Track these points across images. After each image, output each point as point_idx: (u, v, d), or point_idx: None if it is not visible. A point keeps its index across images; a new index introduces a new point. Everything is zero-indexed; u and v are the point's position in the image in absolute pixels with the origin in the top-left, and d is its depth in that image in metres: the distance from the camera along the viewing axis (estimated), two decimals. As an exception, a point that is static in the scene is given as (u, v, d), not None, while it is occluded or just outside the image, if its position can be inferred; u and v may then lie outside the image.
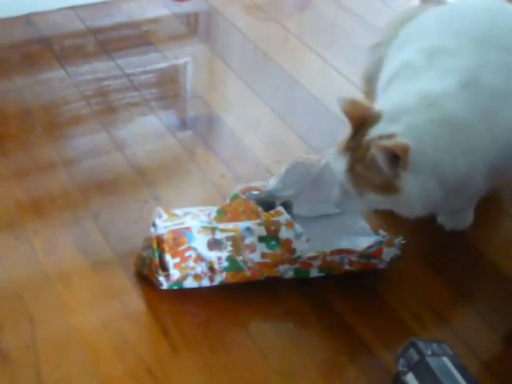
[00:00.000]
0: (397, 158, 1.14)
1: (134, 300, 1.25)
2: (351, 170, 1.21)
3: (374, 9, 2.26)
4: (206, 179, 1.52)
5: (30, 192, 1.46)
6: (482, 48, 1.29)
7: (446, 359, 1.07)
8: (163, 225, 1.26)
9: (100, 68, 1.84)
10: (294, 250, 1.26)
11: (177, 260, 1.22)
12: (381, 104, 1.27)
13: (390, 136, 1.17)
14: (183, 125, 1.70)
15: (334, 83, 1.88)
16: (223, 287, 1.27)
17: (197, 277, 1.25)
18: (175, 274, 1.23)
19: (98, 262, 1.32)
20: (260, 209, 1.31)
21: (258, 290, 1.28)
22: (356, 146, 1.21)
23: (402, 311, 1.27)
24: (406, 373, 1.06)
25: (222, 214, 1.33)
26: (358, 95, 1.79)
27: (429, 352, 1.07)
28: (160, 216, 1.29)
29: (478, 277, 1.36)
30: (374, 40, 1.81)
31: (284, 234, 1.25)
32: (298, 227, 1.26)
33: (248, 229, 1.26)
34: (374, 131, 1.20)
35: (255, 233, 1.26)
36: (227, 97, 1.81)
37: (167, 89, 1.82)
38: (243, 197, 1.35)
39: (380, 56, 1.76)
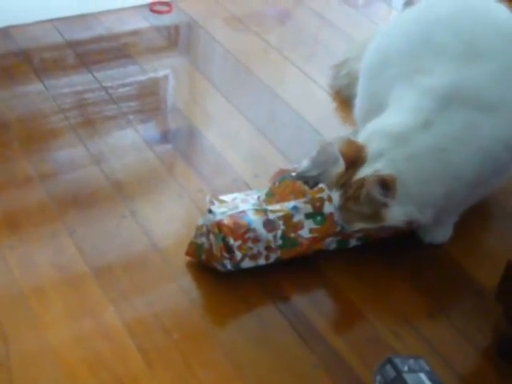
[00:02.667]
0: (386, 188, 1.25)
1: (109, 316, 1.24)
2: (343, 206, 1.32)
3: (354, 22, 2.27)
4: (184, 194, 1.51)
5: (6, 206, 1.45)
6: (460, 62, 1.32)
7: (422, 375, 1.06)
8: (219, 211, 1.33)
9: (78, 81, 1.84)
10: (337, 223, 1.35)
11: (238, 242, 1.30)
12: (366, 132, 1.35)
13: (375, 171, 1.27)
14: (161, 138, 1.70)
15: (314, 96, 1.88)
16: (197, 303, 1.27)
17: (253, 256, 1.32)
18: (238, 255, 1.30)
19: (73, 277, 1.31)
20: (306, 188, 1.38)
21: (232, 305, 1.28)
22: (347, 184, 1.31)
23: (380, 326, 1.27)
24: (382, 389, 1.06)
25: (271, 196, 1.40)
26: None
27: (405, 368, 1.06)
28: (212, 203, 1.36)
29: (455, 290, 1.36)
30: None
31: (327, 208, 1.35)
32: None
33: (295, 207, 1.35)
34: (363, 171, 1.29)
35: (302, 211, 1.34)
36: (206, 110, 1.81)
37: (146, 102, 1.81)
38: (277, 180, 1.43)
39: (348, 71, 1.82)
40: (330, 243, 1.38)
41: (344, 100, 1.83)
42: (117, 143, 1.65)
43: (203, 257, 1.33)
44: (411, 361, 1.08)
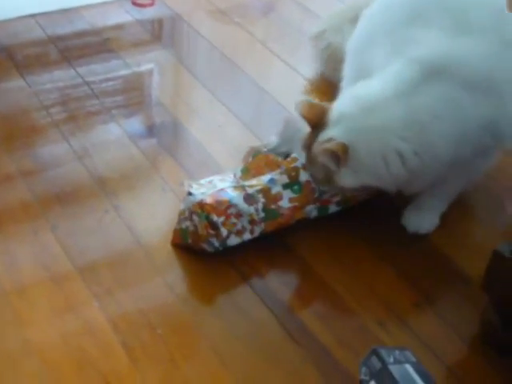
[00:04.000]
0: (336, 158, 1.25)
1: (94, 312, 1.23)
2: (306, 167, 1.36)
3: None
4: (167, 188, 1.50)
5: (-12, 204, 1.44)
6: (450, 35, 1.29)
7: (408, 366, 1.06)
8: (199, 192, 1.34)
9: (60, 77, 1.82)
10: (314, 190, 1.38)
11: (222, 218, 1.31)
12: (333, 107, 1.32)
13: (329, 139, 1.26)
14: (145, 133, 1.68)
15: (299, 88, 1.87)
16: (182, 298, 1.26)
17: (239, 232, 1.33)
18: (223, 231, 1.31)
19: (56, 274, 1.30)
20: (280, 159, 1.41)
21: (218, 300, 1.27)
22: (309, 146, 1.31)
23: (365, 316, 1.26)
24: (368, 381, 1.06)
25: (246, 172, 1.42)
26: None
27: (391, 360, 1.06)
28: (191, 186, 1.37)
29: (441, 280, 1.36)
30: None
31: (303, 176, 1.37)
32: None
33: (271, 180, 1.37)
34: (322, 134, 1.28)
35: (278, 182, 1.37)
36: (190, 104, 1.79)
37: (129, 97, 1.80)
38: (251, 156, 1.45)
39: (327, 43, 1.80)
40: (311, 211, 1.40)
41: (327, 76, 1.86)
42: (100, 139, 1.63)
43: (189, 240, 1.34)
44: (397, 352, 1.08)
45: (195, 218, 1.32)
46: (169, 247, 1.37)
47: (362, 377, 1.07)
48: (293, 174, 1.38)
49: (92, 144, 1.61)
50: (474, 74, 1.27)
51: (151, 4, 2.16)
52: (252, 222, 1.34)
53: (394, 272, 1.36)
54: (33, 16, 2.04)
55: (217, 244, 1.32)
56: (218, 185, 1.38)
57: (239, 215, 1.33)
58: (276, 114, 1.76)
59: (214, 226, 1.31)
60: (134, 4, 2.15)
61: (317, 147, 1.28)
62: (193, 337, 1.21)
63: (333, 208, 1.42)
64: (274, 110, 1.78)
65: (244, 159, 1.49)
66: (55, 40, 1.96)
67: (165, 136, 1.68)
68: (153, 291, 1.28)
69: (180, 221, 1.36)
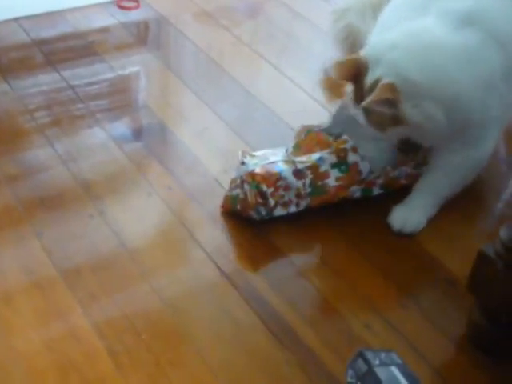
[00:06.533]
0: (390, 101, 1.27)
1: (78, 318, 1.22)
2: (368, 120, 1.34)
3: (326, 15, 2.24)
4: (153, 192, 1.49)
5: (-29, 210, 1.42)
6: None
7: (394, 368, 1.05)
8: (252, 162, 1.41)
9: (44, 80, 1.81)
10: (360, 172, 1.44)
11: (271, 190, 1.38)
12: (365, 49, 1.35)
13: (377, 81, 1.28)
14: (130, 137, 1.67)
15: (286, 91, 1.86)
16: (168, 303, 1.26)
17: (284, 204, 1.41)
18: (271, 202, 1.39)
19: (41, 280, 1.29)
20: (331, 139, 1.46)
21: (203, 304, 1.26)
22: (361, 99, 1.31)
23: (351, 318, 1.26)
24: (354, 384, 1.05)
25: (297, 149, 1.47)
26: (311, 104, 1.79)
27: (377, 362, 1.06)
28: (245, 157, 1.43)
29: (428, 281, 1.36)
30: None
31: (351, 158, 1.43)
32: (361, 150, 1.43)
33: (321, 158, 1.42)
34: (368, 80, 1.30)
35: (327, 161, 1.42)
36: (176, 107, 1.79)
37: (114, 100, 1.79)
38: (303, 133, 1.50)
39: (347, 23, 1.86)
40: (355, 191, 1.46)
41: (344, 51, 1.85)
42: (85, 143, 1.62)
43: (238, 207, 1.42)
44: (383, 354, 1.07)
45: (246, 186, 1.39)
46: (154, 252, 1.36)
47: (349, 379, 1.07)
48: (341, 154, 1.43)
49: (77, 148, 1.60)
50: (501, 28, 1.34)
51: (136, 7, 2.15)
52: (298, 195, 1.41)
53: (380, 273, 1.35)
54: (16, 20, 2.03)
55: (264, 212, 1.40)
56: (270, 158, 1.44)
57: (287, 188, 1.40)
58: (263, 117, 1.75)
59: (263, 195, 1.38)
60: (119, 7, 2.14)
61: (368, 101, 1.27)
62: (178, 342, 1.20)
63: (376, 190, 1.48)
64: (261, 113, 1.77)
65: (297, 136, 1.52)
66: (39, 43, 1.95)
67: (150, 139, 1.67)
68: (138, 296, 1.27)
69: (231, 188, 1.44)
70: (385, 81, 1.28)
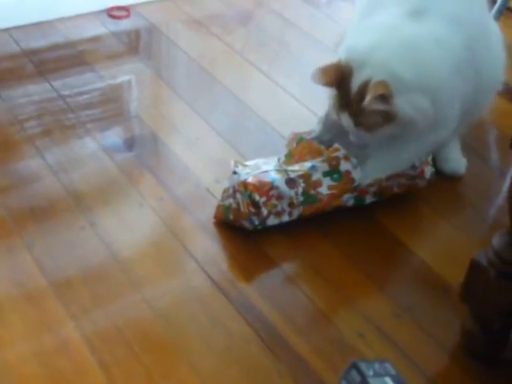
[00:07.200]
0: (385, 98, 1.31)
1: (70, 331, 1.21)
2: (358, 123, 1.37)
3: (317, 22, 2.25)
4: (144, 203, 1.49)
5: (-39, 222, 1.41)
6: None
7: (388, 379, 1.05)
8: (244, 171, 1.41)
9: (35, 91, 1.80)
10: (353, 180, 1.43)
11: (264, 199, 1.38)
12: (343, 51, 1.39)
13: (366, 82, 1.33)
14: (121, 147, 1.66)
15: (277, 99, 1.86)
16: (160, 314, 1.25)
17: (277, 214, 1.40)
18: (264, 211, 1.38)
19: (31, 292, 1.28)
20: (323, 147, 1.46)
21: (195, 315, 1.25)
22: (348, 103, 1.36)
23: (344, 327, 1.25)
24: (348, 395, 1.04)
25: (290, 157, 1.48)
26: (302, 112, 1.79)
27: (371, 373, 1.05)
28: (237, 166, 1.43)
29: (421, 290, 1.35)
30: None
31: (344, 166, 1.43)
32: (353, 159, 1.44)
33: (313, 167, 1.43)
34: (355, 83, 1.35)
35: (319, 169, 1.43)
36: (168, 116, 1.78)
37: (105, 110, 1.77)
38: (295, 142, 1.50)
39: None
40: (348, 199, 1.46)
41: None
42: (75, 153, 1.61)
43: (231, 217, 1.41)
44: (376, 365, 1.07)
45: (238, 196, 1.39)
46: (146, 263, 1.35)
47: (342, 391, 1.06)
48: (334, 163, 1.43)
49: (68, 159, 1.59)
50: (453, 5, 1.43)
51: (127, 16, 2.15)
52: (291, 204, 1.40)
53: (373, 282, 1.35)
54: (7, 30, 2.02)
55: (257, 222, 1.39)
56: (263, 167, 1.44)
57: (280, 197, 1.39)
58: (255, 126, 1.75)
59: (255, 205, 1.38)
60: (110, 16, 2.13)
61: (368, 99, 1.31)
62: (170, 353, 1.19)
63: (369, 199, 1.48)
64: (253, 121, 1.77)
65: (288, 145, 1.52)
66: (29, 54, 1.94)
67: (142, 150, 1.66)
68: (130, 307, 1.26)
69: (223, 198, 1.43)
70: (376, 79, 1.32)
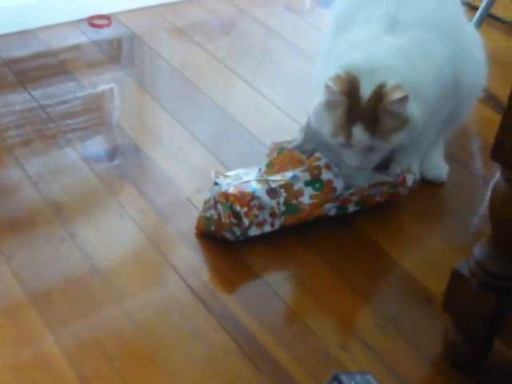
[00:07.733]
0: (406, 97, 1.33)
1: (48, 344, 1.19)
2: (375, 130, 1.36)
3: (299, 30, 2.25)
4: (125, 214, 1.47)
5: None
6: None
7: (369, 391, 1.04)
8: (225, 182, 1.41)
9: (14, 100, 1.78)
10: (335, 189, 1.43)
11: (245, 209, 1.37)
12: (348, 64, 1.39)
13: (381, 86, 1.34)
14: (102, 157, 1.64)
15: (260, 108, 1.85)
16: (140, 326, 1.23)
17: (259, 224, 1.39)
18: (246, 221, 1.37)
19: (10, 306, 1.26)
20: (304, 156, 1.46)
21: (176, 328, 1.24)
22: (360, 113, 1.36)
23: (328, 340, 1.24)
24: (329, 408, 1.04)
25: (271, 167, 1.48)
26: (285, 121, 1.78)
27: (352, 385, 1.04)
28: (218, 177, 1.43)
29: (404, 300, 1.35)
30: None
31: (325, 175, 1.43)
32: (335, 168, 1.44)
33: (294, 176, 1.43)
34: (365, 92, 1.35)
35: (301, 179, 1.43)
36: (148, 126, 1.76)
37: (86, 120, 1.76)
38: (276, 152, 1.50)
39: None
40: (330, 209, 1.45)
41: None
42: (55, 163, 1.60)
43: (213, 228, 1.40)
44: (358, 377, 1.06)
45: (219, 207, 1.38)
46: (127, 275, 1.34)
47: (324, 403, 1.05)
48: (315, 172, 1.43)
49: (47, 169, 1.57)
50: (428, 20, 1.45)
51: (108, 24, 2.13)
52: (273, 215, 1.40)
53: (355, 292, 1.34)
54: (-13, 39, 2.00)
55: (238, 233, 1.38)
56: (244, 177, 1.44)
57: (261, 208, 1.39)
58: (238, 136, 1.74)
59: (236, 215, 1.37)
60: (91, 25, 2.12)
61: (388, 103, 1.33)
62: (151, 367, 1.18)
63: (352, 208, 1.48)
64: (236, 131, 1.76)
65: (269, 154, 1.53)
66: (10, 63, 1.92)
67: (123, 160, 1.64)
68: (110, 320, 1.25)
69: (205, 209, 1.42)
70: (391, 83, 1.34)
